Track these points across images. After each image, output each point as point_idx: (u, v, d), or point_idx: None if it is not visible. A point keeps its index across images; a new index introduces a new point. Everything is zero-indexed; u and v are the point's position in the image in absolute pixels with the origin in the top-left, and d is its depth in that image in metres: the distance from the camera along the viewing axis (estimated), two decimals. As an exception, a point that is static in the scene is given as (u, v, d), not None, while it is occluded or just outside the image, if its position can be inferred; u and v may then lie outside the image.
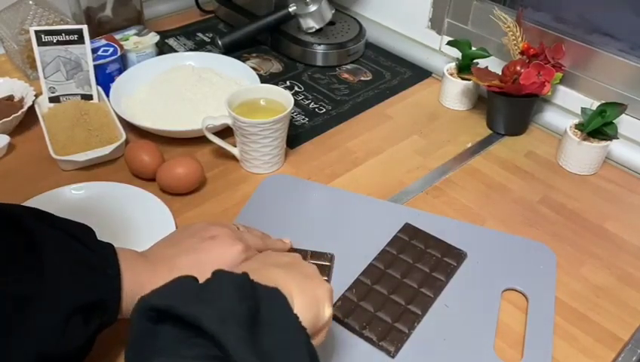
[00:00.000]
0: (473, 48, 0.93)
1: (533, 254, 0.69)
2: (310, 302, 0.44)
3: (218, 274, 0.42)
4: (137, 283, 0.52)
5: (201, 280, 0.51)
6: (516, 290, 0.65)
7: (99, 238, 0.55)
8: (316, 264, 0.64)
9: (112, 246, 0.53)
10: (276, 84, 0.94)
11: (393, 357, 0.58)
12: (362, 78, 1.02)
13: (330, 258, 0.66)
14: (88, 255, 0.51)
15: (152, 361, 0.37)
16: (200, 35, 1.14)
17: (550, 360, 0.58)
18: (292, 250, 0.66)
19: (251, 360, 0.35)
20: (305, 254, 0.66)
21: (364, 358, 0.58)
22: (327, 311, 0.46)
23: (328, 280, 0.64)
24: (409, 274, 0.65)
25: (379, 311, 0.61)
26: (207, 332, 0.36)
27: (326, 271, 0.65)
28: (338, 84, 1.01)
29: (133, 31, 1.01)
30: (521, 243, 0.71)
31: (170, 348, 0.38)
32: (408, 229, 0.71)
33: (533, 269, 0.67)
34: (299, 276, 0.46)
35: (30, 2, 0.96)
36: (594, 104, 0.86)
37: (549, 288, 0.65)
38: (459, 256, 0.68)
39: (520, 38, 0.88)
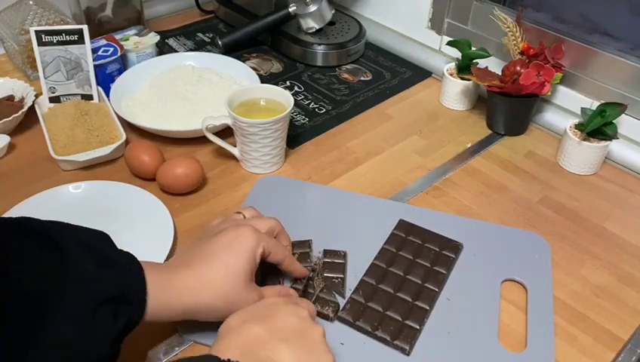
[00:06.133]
0: (473, 48, 0.94)
1: (526, 244, 0.70)
2: None
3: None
4: (160, 283, 0.53)
5: (218, 268, 0.54)
6: (515, 281, 0.66)
7: None
8: (331, 262, 0.65)
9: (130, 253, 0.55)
10: (276, 84, 0.94)
11: (408, 354, 0.57)
12: (362, 78, 1.02)
13: (344, 255, 0.67)
14: (110, 253, 0.52)
15: None
16: (200, 35, 1.14)
17: (553, 348, 0.59)
18: (301, 253, 0.66)
19: None
20: (307, 252, 0.66)
21: (377, 359, 0.57)
22: None
23: (344, 277, 0.64)
24: (411, 270, 0.65)
25: (388, 309, 0.61)
26: None
27: (341, 268, 0.65)
28: (338, 84, 1.01)
29: (133, 31, 1.01)
30: (513, 234, 0.72)
31: None
32: (403, 225, 0.71)
33: (528, 259, 0.68)
34: (304, 353, 0.49)
35: (30, 2, 0.96)
36: (594, 104, 0.86)
37: (546, 277, 0.66)
38: (456, 247, 0.68)
39: (520, 38, 0.88)
